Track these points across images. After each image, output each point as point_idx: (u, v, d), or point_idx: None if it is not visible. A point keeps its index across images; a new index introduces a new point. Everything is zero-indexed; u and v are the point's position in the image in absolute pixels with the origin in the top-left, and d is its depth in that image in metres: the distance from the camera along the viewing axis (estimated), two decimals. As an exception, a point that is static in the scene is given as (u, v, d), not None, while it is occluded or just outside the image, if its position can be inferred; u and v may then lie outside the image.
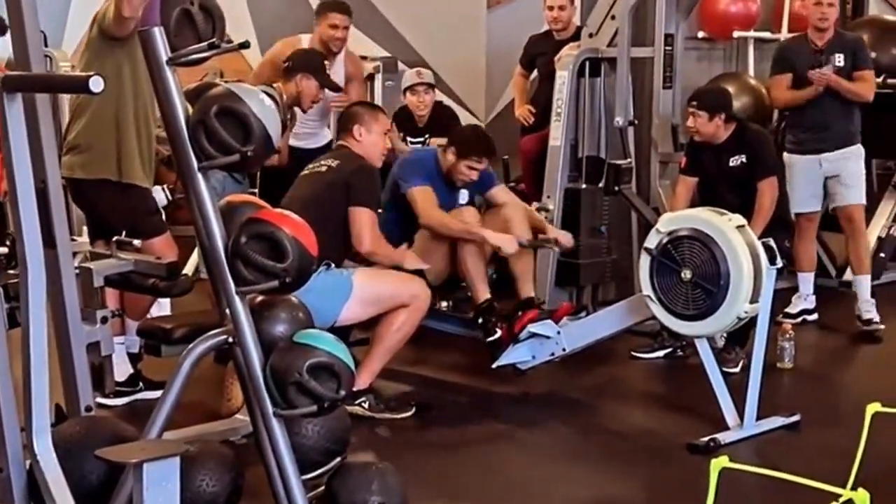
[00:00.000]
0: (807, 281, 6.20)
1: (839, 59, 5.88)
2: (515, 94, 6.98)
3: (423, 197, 4.92)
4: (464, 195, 5.21)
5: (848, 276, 6.83)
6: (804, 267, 6.19)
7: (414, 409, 4.57)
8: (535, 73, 6.91)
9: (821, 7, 5.90)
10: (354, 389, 4.43)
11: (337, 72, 6.08)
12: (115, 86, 4.33)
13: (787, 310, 6.09)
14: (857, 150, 6.01)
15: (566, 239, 5.27)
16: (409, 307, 4.45)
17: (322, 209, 4.41)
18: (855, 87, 5.89)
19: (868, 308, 5.96)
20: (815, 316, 6.23)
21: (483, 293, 4.89)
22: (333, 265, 4.42)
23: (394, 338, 4.48)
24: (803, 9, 6.24)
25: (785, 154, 6.03)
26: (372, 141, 4.73)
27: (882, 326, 5.90)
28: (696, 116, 5.34)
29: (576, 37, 6.47)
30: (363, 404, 4.48)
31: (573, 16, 6.67)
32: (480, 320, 4.89)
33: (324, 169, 4.65)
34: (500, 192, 5.30)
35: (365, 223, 4.51)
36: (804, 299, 6.19)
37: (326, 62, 5.78)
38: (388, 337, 4.48)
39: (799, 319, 6.07)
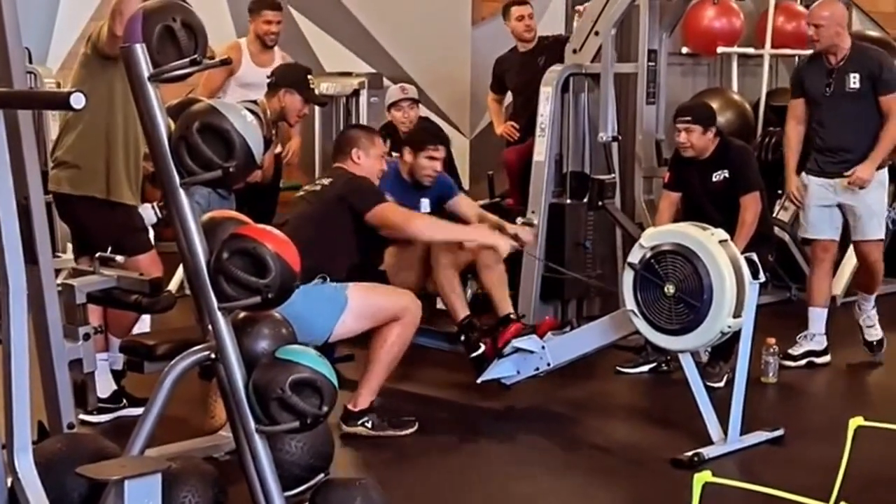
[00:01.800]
0: (818, 318, 5.61)
1: (854, 80, 5.41)
2: (492, 117, 7.03)
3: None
4: (425, 204, 5.26)
5: (832, 290, 6.84)
6: (815, 301, 5.63)
7: (416, 426, 4.56)
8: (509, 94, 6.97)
9: (810, 27, 5.51)
10: (356, 410, 4.46)
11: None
12: (106, 104, 4.33)
13: (789, 350, 5.56)
14: (876, 178, 5.46)
15: (525, 234, 5.19)
16: (402, 321, 4.43)
17: (320, 226, 4.47)
18: (887, 140, 5.39)
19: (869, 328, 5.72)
20: (825, 359, 5.62)
21: (462, 311, 4.89)
22: (329, 279, 4.42)
23: (389, 354, 4.47)
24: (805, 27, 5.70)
25: (802, 174, 5.62)
26: (370, 164, 4.75)
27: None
28: (689, 131, 5.34)
29: (538, 46, 6.66)
30: (366, 424, 4.47)
31: (536, 25, 6.81)
32: (463, 337, 4.88)
33: (318, 188, 4.69)
34: (462, 202, 5.35)
35: (388, 214, 4.53)
36: (810, 339, 5.62)
37: (266, 56, 6.25)
38: (382, 354, 4.46)
39: (802, 362, 5.58)
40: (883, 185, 5.61)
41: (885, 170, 5.61)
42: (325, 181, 4.71)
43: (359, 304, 4.41)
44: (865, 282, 5.78)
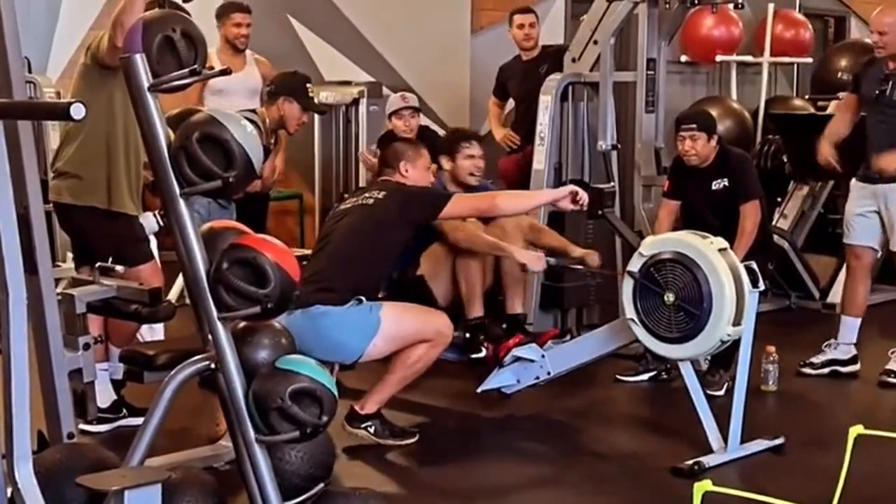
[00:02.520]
0: (850, 327, 5.53)
1: None
2: (491, 120, 7.05)
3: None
4: None
5: (831, 298, 6.86)
6: (849, 310, 5.56)
7: (418, 437, 4.56)
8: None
9: (873, 34, 5.44)
10: (362, 412, 4.45)
11: (251, 74, 6.33)
12: (106, 114, 4.33)
13: (811, 359, 5.58)
14: None
15: (593, 258, 5.23)
16: (430, 342, 4.40)
17: (369, 240, 4.43)
18: None
19: None
20: (851, 368, 5.53)
21: (477, 309, 4.91)
22: (365, 299, 4.37)
23: (410, 370, 4.43)
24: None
25: (853, 179, 5.58)
26: (418, 176, 4.77)
27: None
28: (695, 139, 5.34)
29: (541, 55, 6.68)
30: (369, 429, 4.46)
31: (539, 35, 6.82)
32: (468, 335, 4.88)
33: (371, 201, 4.59)
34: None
35: (469, 203, 4.60)
36: (834, 348, 5.55)
37: (237, 61, 6.27)
38: (403, 370, 4.42)
39: (826, 370, 5.54)
40: None
41: None
42: (378, 194, 4.59)
43: (391, 328, 4.36)
44: None
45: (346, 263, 4.42)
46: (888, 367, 5.49)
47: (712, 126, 5.43)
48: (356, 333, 4.30)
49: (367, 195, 4.65)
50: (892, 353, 5.53)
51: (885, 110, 5.44)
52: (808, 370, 5.56)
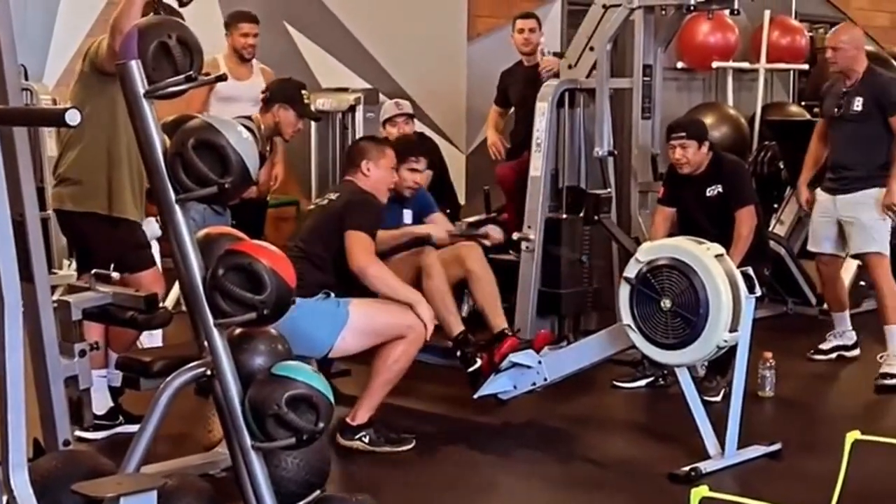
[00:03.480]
0: (841, 320, 6.07)
1: (857, 104, 5.65)
2: (489, 124, 7.07)
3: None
4: (407, 215, 5.29)
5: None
6: (833, 308, 6.10)
7: (414, 443, 4.55)
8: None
9: (828, 50, 5.79)
10: (354, 424, 4.45)
11: (256, 83, 6.30)
12: (107, 120, 4.32)
13: (820, 346, 6.06)
14: (868, 196, 5.68)
15: (496, 232, 5.34)
16: (406, 339, 4.41)
17: (324, 239, 4.51)
18: None
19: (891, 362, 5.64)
20: (855, 352, 6.06)
21: (456, 326, 4.85)
22: (332, 294, 4.41)
23: (391, 371, 4.45)
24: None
25: (818, 189, 5.92)
26: (380, 175, 4.76)
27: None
28: (685, 147, 5.36)
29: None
30: (363, 439, 4.47)
31: (540, 40, 6.83)
32: (459, 353, 4.87)
33: (326, 202, 4.70)
34: (437, 219, 5.35)
35: (354, 243, 4.48)
36: (839, 336, 6.08)
37: (243, 70, 6.34)
38: (384, 370, 4.45)
39: (833, 356, 6.03)
40: (879, 205, 5.70)
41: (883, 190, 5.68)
42: (333, 195, 4.72)
43: (360, 321, 4.39)
44: (879, 308, 5.82)
45: (311, 262, 4.47)
46: (882, 370, 5.63)
47: (702, 133, 5.43)
48: (325, 326, 4.32)
49: (326, 196, 4.75)
50: (881, 357, 5.70)
51: (844, 126, 5.75)
52: (818, 356, 6.00)
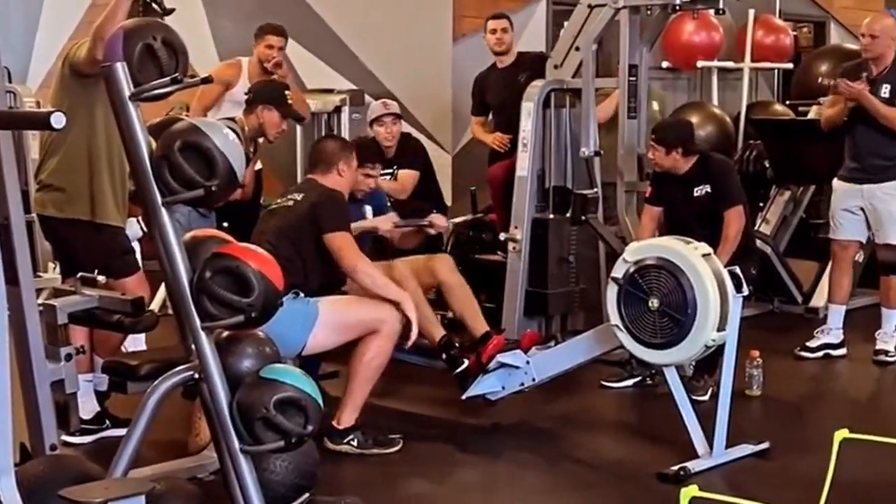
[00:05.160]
0: (836, 314, 6.02)
1: (885, 91, 5.75)
2: (479, 139, 7.01)
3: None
4: (368, 211, 5.36)
5: (814, 302, 6.89)
6: (834, 298, 6.05)
7: (402, 444, 4.54)
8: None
9: (864, 38, 5.87)
10: (341, 428, 4.43)
11: None
12: (87, 124, 4.30)
13: (807, 343, 6.04)
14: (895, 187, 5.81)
15: (440, 220, 5.57)
16: (380, 334, 4.39)
17: (292, 241, 4.47)
18: (885, 109, 5.69)
19: (885, 339, 5.93)
20: (841, 351, 6.03)
21: (437, 332, 4.83)
22: (302, 294, 4.40)
23: (368, 369, 4.44)
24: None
25: (834, 179, 6.00)
26: (351, 177, 4.82)
27: (895, 359, 5.91)
28: (654, 150, 5.42)
29: (518, 62, 6.67)
30: (351, 442, 4.45)
31: (513, 41, 6.82)
32: (444, 356, 4.86)
33: (291, 203, 4.67)
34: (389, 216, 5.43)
35: (342, 245, 4.49)
36: (827, 333, 6.02)
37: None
38: (362, 370, 4.43)
39: (820, 354, 5.99)
40: None
41: None
42: (298, 196, 4.68)
43: (330, 318, 4.38)
44: (882, 291, 6.01)
45: (280, 263, 4.42)
46: (877, 347, 5.90)
47: (672, 140, 5.39)
48: (296, 325, 4.30)
49: (289, 197, 4.70)
50: (878, 334, 5.95)
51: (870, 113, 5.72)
52: (805, 353, 6.00)
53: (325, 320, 4.37)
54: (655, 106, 6.65)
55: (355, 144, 5.27)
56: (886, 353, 5.90)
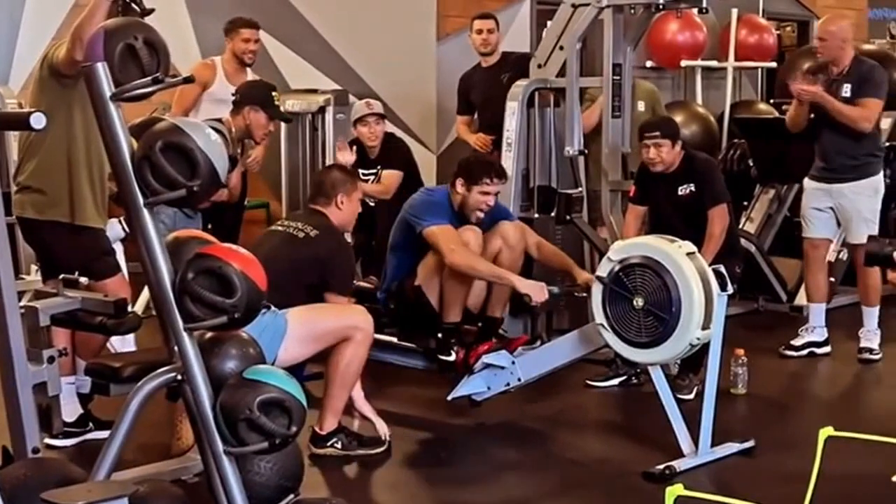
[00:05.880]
0: (817, 312, 6.03)
1: (846, 90, 5.78)
2: (461, 134, 7.01)
3: (445, 236, 4.90)
4: None
5: (798, 301, 6.91)
6: (812, 297, 6.06)
7: (387, 445, 4.52)
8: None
9: (816, 40, 5.94)
10: (324, 433, 4.41)
11: None
12: (65, 126, 4.27)
13: (792, 342, 6.04)
14: (863, 186, 5.84)
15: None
16: (353, 339, 4.33)
17: (287, 272, 4.36)
18: (845, 109, 5.71)
19: (869, 337, 5.98)
20: (825, 349, 6.04)
21: (455, 315, 4.90)
22: (272, 307, 4.32)
23: (346, 373, 4.40)
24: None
25: (805, 179, 6.02)
26: (351, 209, 4.74)
27: (879, 357, 5.95)
28: (659, 146, 5.35)
29: (502, 62, 6.68)
30: (335, 445, 4.42)
31: (499, 41, 6.82)
32: (440, 335, 4.86)
33: (301, 236, 4.60)
34: (505, 223, 5.27)
35: (345, 307, 4.53)
36: (811, 331, 6.04)
37: (241, 75, 6.28)
38: (339, 375, 4.38)
39: (805, 352, 6.00)
40: (877, 193, 5.92)
41: (881, 176, 5.92)
42: (311, 232, 4.59)
43: (299, 330, 4.30)
44: (861, 290, 6.03)
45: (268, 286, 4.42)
46: (861, 345, 5.95)
47: (675, 132, 5.44)
48: (264, 339, 4.23)
49: (300, 228, 4.63)
50: (862, 332, 5.98)
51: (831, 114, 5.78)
52: (789, 352, 6.01)
53: (294, 333, 4.29)
54: (641, 107, 6.63)
55: (467, 163, 5.19)
56: (871, 350, 5.93)
